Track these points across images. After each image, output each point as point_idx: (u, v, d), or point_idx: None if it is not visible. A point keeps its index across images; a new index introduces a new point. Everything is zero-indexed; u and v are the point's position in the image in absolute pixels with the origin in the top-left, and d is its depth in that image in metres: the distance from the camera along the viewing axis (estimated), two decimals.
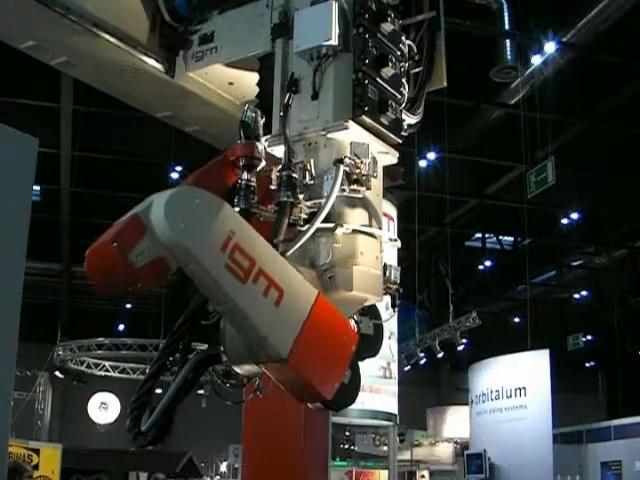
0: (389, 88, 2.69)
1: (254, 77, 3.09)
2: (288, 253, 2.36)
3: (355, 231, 2.56)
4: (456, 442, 25.73)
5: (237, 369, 2.41)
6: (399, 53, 2.79)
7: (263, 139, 2.58)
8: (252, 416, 5.61)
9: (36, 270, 21.50)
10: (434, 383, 29.96)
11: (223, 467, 25.78)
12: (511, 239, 24.05)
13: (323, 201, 2.48)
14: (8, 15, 3.04)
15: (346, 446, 23.95)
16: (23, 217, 2.69)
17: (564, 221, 20.78)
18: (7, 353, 2.58)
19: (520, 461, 18.48)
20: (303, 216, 2.51)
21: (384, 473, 19.29)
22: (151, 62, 3.23)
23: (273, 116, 2.73)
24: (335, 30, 2.55)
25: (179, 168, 16.48)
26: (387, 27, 2.70)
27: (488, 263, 24.24)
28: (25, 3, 2.93)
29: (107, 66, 3.26)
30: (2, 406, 2.56)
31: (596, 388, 30.78)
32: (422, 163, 16.64)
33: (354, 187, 2.53)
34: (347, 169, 2.51)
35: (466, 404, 22.31)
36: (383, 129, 2.65)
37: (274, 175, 2.56)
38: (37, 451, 13.80)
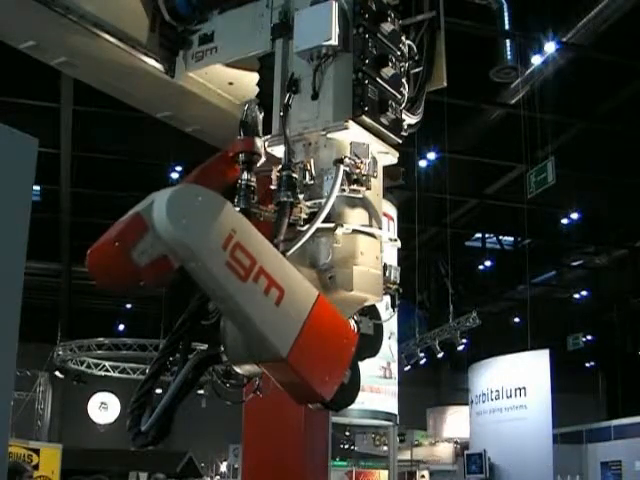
0: (389, 88, 2.69)
1: (254, 77, 3.09)
2: (288, 253, 2.36)
3: (355, 231, 2.56)
4: (456, 442, 25.75)
5: (237, 369, 2.41)
6: (399, 53, 2.79)
7: (263, 138, 2.58)
8: (252, 416, 5.61)
9: (36, 270, 21.50)
10: (434, 383, 29.97)
11: (223, 467, 25.79)
12: (511, 239, 24.05)
13: (323, 201, 2.48)
14: (8, 15, 3.04)
15: (346, 446, 23.98)
16: (23, 217, 2.69)
17: (564, 221, 20.79)
18: (7, 353, 2.58)
19: (520, 461, 18.47)
20: (303, 216, 2.51)
21: (384, 473, 19.31)
22: (151, 62, 3.23)
23: (273, 116, 2.73)
24: (335, 30, 2.55)
25: (179, 168, 16.49)
26: (387, 27, 2.70)
27: (488, 263, 24.24)
28: (25, 3, 2.93)
29: (107, 66, 3.26)
30: (2, 406, 2.56)
31: (596, 388, 30.79)
32: (422, 163, 16.64)
33: (354, 187, 2.53)
34: (347, 169, 2.51)
35: (466, 404, 22.31)
36: (383, 129, 2.65)
37: (274, 175, 2.56)
38: (37, 451, 13.79)
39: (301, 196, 2.52)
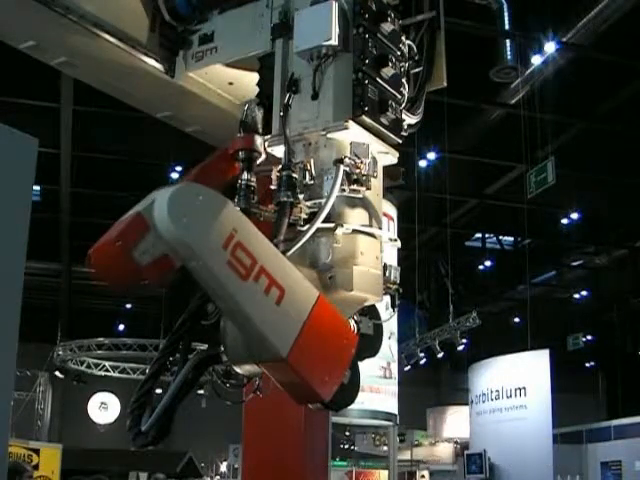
0: (389, 88, 2.69)
1: (254, 77, 3.09)
2: (288, 253, 2.36)
3: (355, 231, 2.56)
4: (456, 442, 25.76)
5: (237, 369, 2.41)
6: (399, 53, 2.79)
7: (261, 138, 2.58)
8: (252, 416, 5.61)
9: (36, 270, 21.51)
10: (434, 383, 29.98)
11: (223, 467, 25.80)
12: (511, 239, 24.06)
13: (323, 201, 2.48)
14: (8, 15, 3.04)
15: (346, 446, 23.98)
16: (23, 217, 2.69)
17: (564, 221, 20.79)
18: (7, 353, 2.58)
19: (520, 461, 18.47)
20: (303, 216, 2.51)
21: (384, 473, 19.31)
22: (151, 62, 3.23)
23: (273, 116, 2.73)
24: (335, 30, 2.55)
25: (179, 168, 16.48)
26: (387, 27, 2.70)
27: (488, 263, 24.24)
28: (25, 3, 2.93)
29: (107, 66, 3.26)
30: (2, 406, 2.56)
31: (596, 388, 30.79)
32: (422, 163, 16.64)
33: (354, 187, 2.53)
34: (347, 169, 2.51)
35: (466, 404, 22.31)
36: (383, 129, 2.65)
37: (274, 175, 2.56)
38: (37, 451, 13.79)
39: (301, 196, 2.52)
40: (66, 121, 15.60)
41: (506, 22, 13.17)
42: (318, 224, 2.45)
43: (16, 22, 3.10)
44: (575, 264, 24.99)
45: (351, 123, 2.55)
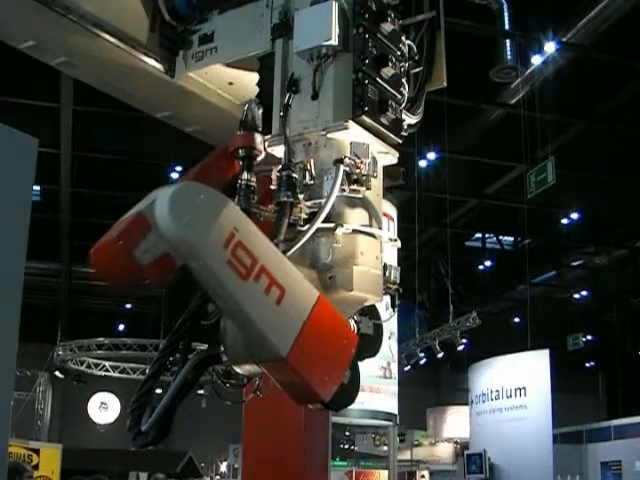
0: (389, 88, 2.69)
1: (254, 77, 3.09)
2: (288, 253, 2.36)
3: (355, 231, 2.56)
4: (456, 442, 25.76)
5: (237, 369, 2.41)
6: (399, 53, 2.79)
7: (261, 136, 2.58)
8: (252, 416, 5.61)
9: (36, 270, 21.51)
10: (434, 383, 29.98)
11: (223, 467, 25.80)
12: (511, 239, 24.06)
13: (323, 201, 2.48)
14: (8, 15, 3.04)
15: (346, 446, 23.99)
16: (23, 217, 2.69)
17: (564, 221, 20.79)
18: (7, 353, 2.58)
19: (520, 461, 18.48)
20: (303, 216, 2.51)
21: (384, 473, 19.31)
22: (151, 62, 3.23)
23: (273, 116, 2.73)
24: (335, 30, 2.55)
25: (179, 168, 16.48)
26: (387, 27, 2.70)
27: (488, 263, 24.25)
28: (25, 3, 2.93)
29: (107, 66, 3.26)
30: (2, 406, 2.56)
31: (596, 388, 30.79)
32: (422, 163, 16.65)
33: (354, 187, 2.53)
34: (347, 169, 2.51)
35: (466, 404, 22.32)
36: (383, 129, 2.65)
37: (274, 175, 2.56)
38: (37, 451, 13.79)
39: (301, 196, 2.52)
40: (66, 121, 15.60)
41: (506, 22, 13.17)
42: (318, 224, 2.45)
43: (16, 22, 3.10)
44: (575, 264, 25.00)
45: (351, 123, 2.55)
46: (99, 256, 2.22)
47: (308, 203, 2.53)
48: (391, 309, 2.85)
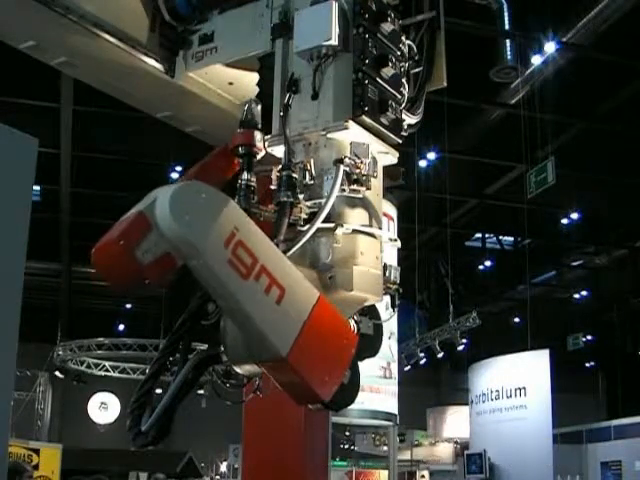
0: (389, 88, 2.69)
1: (254, 77, 3.09)
2: (289, 253, 2.36)
3: (355, 231, 2.56)
4: (456, 442, 25.76)
5: (237, 369, 2.41)
6: (399, 53, 2.79)
7: (261, 134, 2.58)
8: (252, 416, 5.61)
9: (36, 270, 21.50)
10: (434, 383, 29.98)
11: (223, 467, 25.80)
12: (511, 239, 24.06)
13: (323, 201, 2.48)
14: (8, 15, 3.04)
15: (346, 446, 23.99)
16: (23, 217, 2.69)
17: (564, 221, 20.79)
18: (7, 353, 2.58)
19: (520, 461, 18.47)
20: (303, 216, 2.51)
21: (384, 473, 19.31)
22: (151, 62, 3.23)
23: (273, 116, 2.73)
24: (335, 30, 2.55)
25: (179, 168, 16.48)
26: (387, 27, 2.70)
27: (488, 263, 24.24)
28: (25, 3, 2.93)
29: (107, 66, 3.26)
30: (2, 406, 2.56)
31: (596, 388, 30.79)
32: (422, 163, 16.64)
33: (354, 187, 2.53)
34: (347, 169, 2.51)
35: (466, 404, 22.32)
36: (383, 129, 2.65)
37: (274, 175, 2.56)
38: (37, 451, 13.79)
39: (301, 196, 2.52)
40: (66, 121, 15.60)
41: (506, 22, 13.17)
42: (318, 224, 2.45)
43: (16, 22, 3.10)
44: (575, 264, 24.99)
45: (351, 123, 2.55)
46: (100, 256, 2.22)
47: (308, 203, 2.53)
48: (391, 309, 2.85)
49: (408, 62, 2.95)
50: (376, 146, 2.66)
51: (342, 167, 2.50)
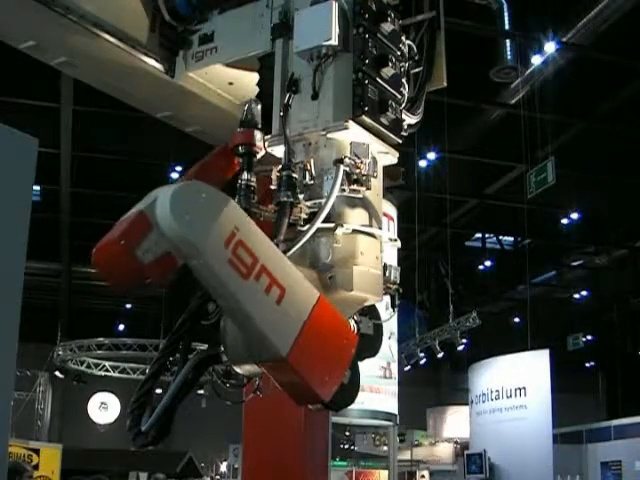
0: (389, 88, 2.69)
1: (254, 77, 3.09)
2: (289, 253, 2.36)
3: (355, 231, 2.56)
4: (456, 442, 25.76)
5: (237, 369, 2.41)
6: (399, 53, 2.79)
7: (261, 133, 2.59)
8: (252, 416, 5.61)
9: (36, 270, 21.50)
10: (434, 383, 29.98)
11: (223, 467, 25.80)
12: (511, 239, 24.06)
13: (323, 201, 2.48)
14: (8, 15, 3.04)
15: (346, 446, 23.99)
16: (23, 217, 2.69)
17: (564, 221, 20.79)
18: (7, 353, 2.58)
19: (520, 461, 18.47)
20: (303, 216, 2.51)
21: (384, 473, 19.31)
22: (151, 62, 3.23)
23: (273, 116, 2.73)
24: (335, 30, 2.55)
25: (179, 168, 16.48)
26: (387, 27, 2.70)
27: (488, 263, 24.24)
28: (25, 3, 2.93)
29: (107, 66, 3.26)
30: (2, 406, 2.56)
31: (596, 388, 30.79)
32: (422, 163, 16.64)
33: (354, 187, 2.53)
34: (347, 169, 2.51)
35: (466, 404, 22.31)
36: (383, 129, 2.65)
37: (274, 175, 2.56)
38: (37, 451, 13.79)
39: (301, 196, 2.52)
40: (66, 121, 15.60)
41: (506, 22, 13.17)
42: (318, 224, 2.45)
43: (16, 22, 3.10)
44: (575, 264, 24.99)
45: (351, 123, 2.55)
46: (101, 256, 2.22)
47: (308, 203, 2.53)
48: (391, 309, 2.85)
49: (408, 62, 2.95)
50: (376, 146, 2.66)
51: (342, 167, 2.50)
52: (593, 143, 16.81)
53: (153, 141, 14.99)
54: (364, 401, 10.94)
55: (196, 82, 3.31)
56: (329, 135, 2.58)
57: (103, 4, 3.08)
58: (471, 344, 22.27)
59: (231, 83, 3.33)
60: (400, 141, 2.76)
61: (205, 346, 2.44)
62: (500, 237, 24.08)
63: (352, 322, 2.59)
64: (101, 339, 21.72)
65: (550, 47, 13.12)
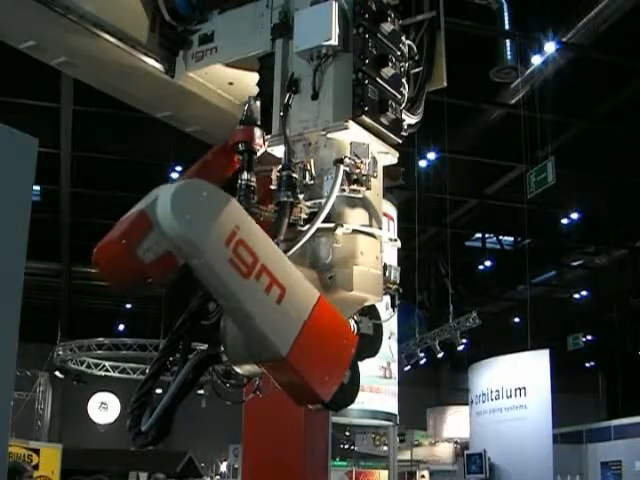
0: (389, 88, 2.69)
1: (254, 77, 3.09)
2: (289, 253, 2.36)
3: (355, 231, 2.56)
4: (456, 442, 25.76)
5: (237, 369, 2.41)
6: (399, 53, 2.79)
7: (261, 130, 2.58)
8: (252, 416, 5.61)
9: (36, 270, 21.51)
10: (434, 383, 29.98)
11: (223, 467, 25.80)
12: (511, 239, 24.06)
13: (323, 201, 2.48)
14: (8, 15, 3.04)
15: (346, 446, 23.99)
16: (23, 217, 2.69)
17: (564, 221, 20.80)
18: (7, 353, 2.57)
19: (520, 461, 18.48)
20: (303, 216, 2.51)
21: (384, 473, 19.31)
22: (151, 62, 3.22)
23: (273, 116, 2.73)
24: (335, 30, 2.55)
25: (179, 168, 16.47)
26: (387, 27, 2.70)
27: (488, 263, 24.25)
28: (25, 3, 2.93)
29: (107, 66, 3.26)
30: (2, 406, 2.56)
31: (596, 388, 30.79)
32: (422, 163, 16.65)
33: (354, 187, 2.53)
34: (347, 169, 2.51)
35: (466, 404, 22.32)
36: (383, 129, 2.65)
37: (274, 175, 2.56)
38: (37, 451, 13.79)
39: (301, 196, 2.52)
40: (66, 121, 15.60)
41: (506, 22, 13.17)
42: (318, 224, 2.45)
43: (16, 22, 3.10)
44: (575, 264, 25.00)
45: (351, 123, 2.55)
46: (102, 255, 2.23)
47: (308, 203, 2.53)
48: (391, 309, 2.85)
49: (408, 62, 2.95)
50: (376, 146, 2.66)
51: (342, 167, 2.50)
52: (593, 143, 16.82)
53: (153, 141, 14.99)
54: (364, 401, 10.94)
55: (196, 82, 3.31)
56: (329, 135, 2.58)
57: (103, 4, 3.08)
58: (471, 344, 22.27)
59: (231, 83, 3.33)
60: (400, 141, 2.76)
61: (205, 346, 2.44)
62: (500, 237, 24.09)
63: (352, 322, 2.59)
64: (101, 339, 21.72)
65: (550, 47, 13.13)
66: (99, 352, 21.84)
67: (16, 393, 19.08)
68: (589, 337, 25.12)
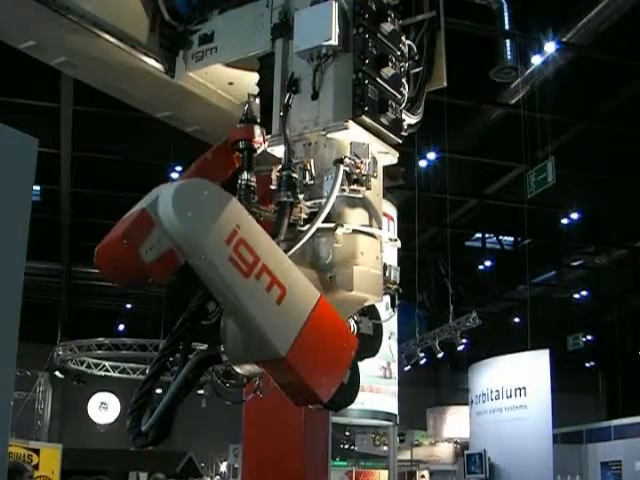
0: (389, 88, 2.69)
1: (254, 77, 3.09)
2: (289, 253, 2.36)
3: (355, 231, 2.56)
4: (456, 442, 25.76)
5: (237, 369, 2.41)
6: (399, 53, 2.79)
7: (261, 128, 2.58)
8: (252, 416, 5.61)
9: (36, 270, 21.50)
10: (434, 383, 29.98)
11: (223, 467, 25.80)
12: (511, 239, 24.05)
13: (323, 201, 2.48)
14: (8, 15, 3.04)
15: (346, 446, 23.98)
16: (23, 217, 2.68)
17: (564, 221, 20.78)
18: (7, 353, 2.57)
19: (520, 461, 18.47)
20: (303, 216, 2.51)
21: (384, 473, 19.30)
22: (151, 62, 3.23)
23: (273, 116, 2.73)
24: (335, 30, 2.55)
25: (179, 168, 16.46)
26: (387, 27, 2.70)
27: (488, 263, 24.24)
28: (25, 3, 2.93)
29: (107, 66, 3.26)
30: (2, 406, 2.56)
31: (596, 388, 30.79)
32: (422, 163, 16.64)
33: (354, 187, 2.53)
34: (347, 169, 2.51)
35: (466, 404, 22.32)
36: (383, 129, 2.65)
37: (274, 175, 2.56)
38: (37, 451, 13.79)
39: (301, 196, 2.52)
40: (66, 121, 15.59)
41: (506, 22, 13.16)
42: (318, 224, 2.45)
43: (16, 22, 3.10)
44: (575, 264, 24.99)
45: (351, 123, 2.55)
46: (103, 255, 2.22)
47: (308, 203, 2.53)
48: (391, 309, 2.85)
49: (408, 62, 2.95)
50: (376, 146, 2.66)
51: (342, 167, 2.50)
52: (593, 143, 16.81)
53: (153, 141, 14.99)
54: (364, 401, 10.94)
55: (196, 82, 3.31)
56: (329, 135, 2.58)
57: (103, 4, 3.08)
58: (471, 344, 22.26)
59: (231, 83, 3.33)
60: (400, 141, 2.76)
61: (205, 346, 2.44)
62: (500, 237, 24.07)
63: (352, 322, 2.59)
64: (101, 339, 21.72)
65: (550, 47, 13.12)
66: (99, 352, 21.84)
67: (16, 393, 19.07)
68: (589, 337, 25.11)
